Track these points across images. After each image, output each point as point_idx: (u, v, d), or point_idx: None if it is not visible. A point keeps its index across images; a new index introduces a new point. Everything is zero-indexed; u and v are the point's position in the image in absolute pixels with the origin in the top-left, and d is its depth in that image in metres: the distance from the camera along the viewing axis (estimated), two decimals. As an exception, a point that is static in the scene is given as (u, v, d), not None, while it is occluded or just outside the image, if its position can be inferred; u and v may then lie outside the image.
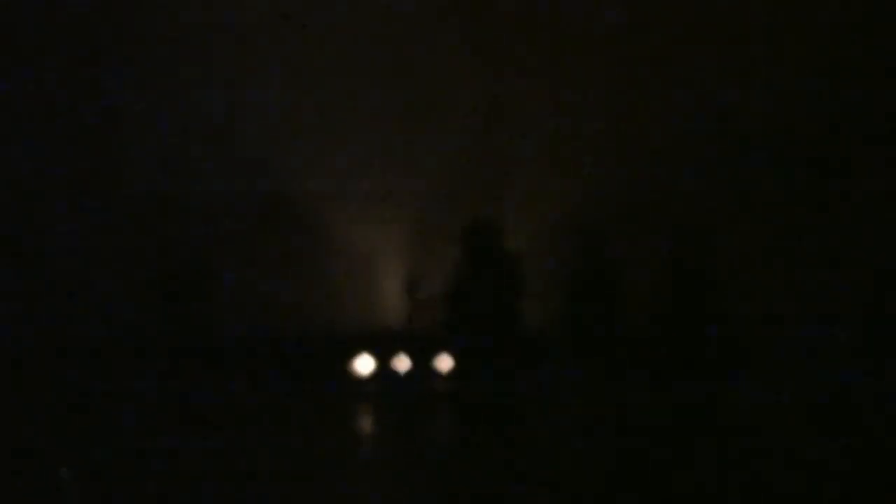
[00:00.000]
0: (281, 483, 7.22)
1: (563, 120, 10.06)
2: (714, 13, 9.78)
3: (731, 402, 8.11)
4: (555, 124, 10.07)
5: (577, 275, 8.93)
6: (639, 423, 8.11)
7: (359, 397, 9.76)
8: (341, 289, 10.16)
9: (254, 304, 9.89)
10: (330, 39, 10.05)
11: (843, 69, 9.44)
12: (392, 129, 10.11)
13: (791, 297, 9.27)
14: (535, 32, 10.14)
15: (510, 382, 7.11)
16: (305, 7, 9.98)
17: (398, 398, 9.73)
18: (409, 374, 9.79)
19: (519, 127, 10.12)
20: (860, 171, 9.41)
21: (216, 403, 9.16)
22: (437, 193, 9.80)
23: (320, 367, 9.84)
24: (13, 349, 9.34)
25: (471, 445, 7.11)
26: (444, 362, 9.50)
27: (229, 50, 9.91)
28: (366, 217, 10.07)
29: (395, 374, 9.86)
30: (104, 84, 9.90)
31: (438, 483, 7.03)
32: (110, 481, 6.96)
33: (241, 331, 9.82)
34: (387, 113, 10.09)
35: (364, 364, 9.82)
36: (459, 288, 7.20)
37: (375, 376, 9.84)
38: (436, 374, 9.46)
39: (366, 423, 9.56)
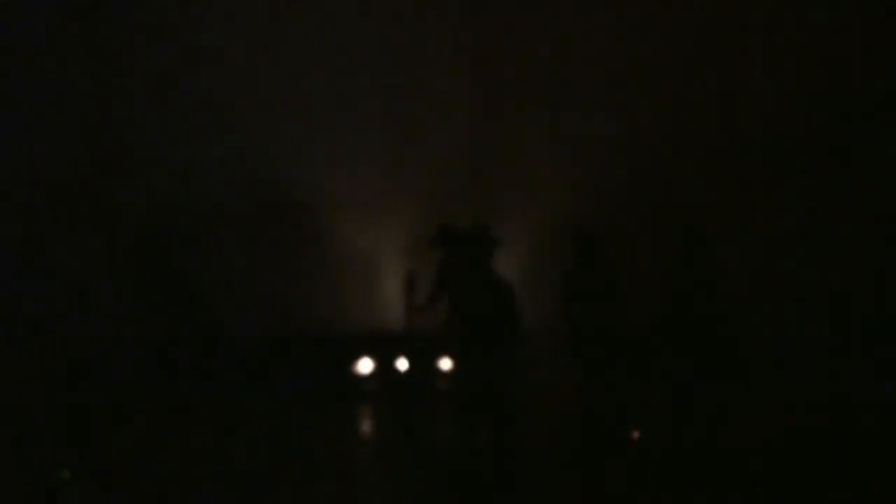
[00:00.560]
0: (282, 480, 7.25)
1: (563, 120, 10.07)
2: (713, 14, 9.77)
3: (732, 401, 7.95)
4: (554, 125, 10.08)
5: (576, 275, 8.90)
6: (637, 420, 8.12)
7: (360, 396, 9.82)
8: (343, 291, 10.19)
9: (257, 306, 9.94)
10: (331, 43, 10.07)
11: (843, 69, 9.45)
12: (392, 132, 10.15)
13: (792, 298, 9.27)
14: (535, 34, 10.17)
15: (508, 383, 7.10)
16: (307, 13, 10.01)
17: (397, 397, 9.74)
18: (409, 373, 9.83)
19: (518, 127, 10.11)
20: (860, 171, 9.40)
21: (219, 400, 9.22)
22: (437, 196, 9.78)
23: (323, 367, 9.90)
24: (14, 349, 9.35)
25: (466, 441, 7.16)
26: (443, 363, 9.56)
27: (235, 55, 9.95)
28: (367, 221, 10.10)
29: (394, 373, 9.89)
30: (109, 87, 9.94)
31: (436, 478, 7.09)
32: (113, 480, 6.99)
33: (244, 331, 9.88)
34: (387, 117, 10.13)
35: (365, 365, 9.91)
36: (457, 290, 7.18)
37: (375, 376, 9.91)
38: (435, 374, 9.53)
39: (366, 421, 9.60)
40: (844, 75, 9.47)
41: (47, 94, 9.77)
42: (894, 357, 8.73)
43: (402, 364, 9.85)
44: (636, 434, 7.96)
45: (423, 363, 9.59)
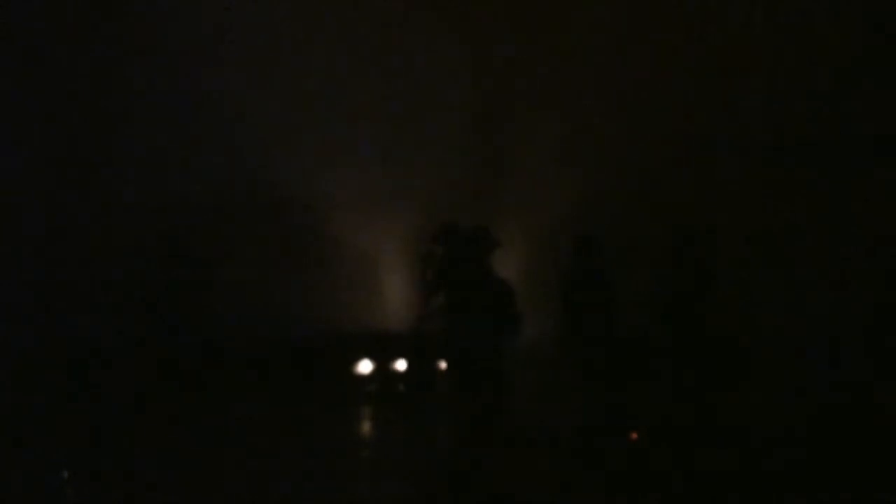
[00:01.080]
0: (282, 479, 7.25)
1: (561, 122, 10.08)
2: (713, 15, 9.77)
3: (731, 402, 8.00)
4: (554, 125, 10.08)
5: (575, 276, 8.91)
6: (636, 424, 8.08)
7: (359, 396, 9.84)
8: (342, 291, 10.22)
9: (255, 306, 9.95)
10: (331, 43, 10.11)
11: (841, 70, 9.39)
12: (392, 133, 10.19)
13: (792, 298, 9.18)
14: (534, 34, 10.19)
15: (506, 382, 7.13)
16: (307, 13, 10.01)
17: (396, 397, 9.83)
18: (407, 374, 9.87)
19: (517, 128, 10.17)
20: (859, 171, 9.32)
21: (219, 400, 9.22)
22: (437, 196, 9.79)
23: (322, 368, 9.92)
24: (15, 349, 9.32)
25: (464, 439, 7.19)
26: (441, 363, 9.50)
27: (234, 56, 9.96)
28: (366, 222, 10.16)
29: (393, 374, 9.93)
30: (111, 87, 9.96)
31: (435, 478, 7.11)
32: (114, 479, 6.97)
33: (244, 330, 9.87)
34: (388, 119, 10.18)
35: (364, 366, 9.92)
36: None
37: (375, 376, 9.93)
38: (434, 375, 9.50)
39: (366, 420, 9.64)
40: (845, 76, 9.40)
41: (47, 94, 9.77)
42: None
43: (401, 364, 9.90)
44: (634, 436, 7.95)
45: (422, 363, 9.59)
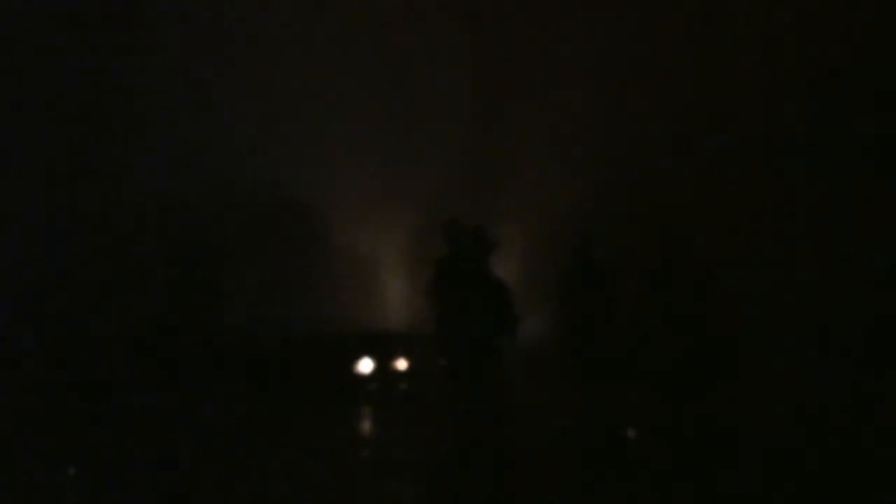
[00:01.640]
0: (286, 472, 7.41)
1: (560, 123, 10.05)
2: (713, 17, 9.68)
3: (728, 403, 8.04)
4: (553, 126, 10.06)
5: (571, 277, 8.93)
6: (633, 426, 8.14)
7: (360, 395, 9.87)
8: (342, 291, 10.21)
9: (257, 306, 9.96)
10: (331, 43, 10.07)
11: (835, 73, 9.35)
12: (392, 134, 10.16)
13: (789, 300, 9.13)
14: (535, 35, 10.16)
15: (504, 382, 7.18)
16: (307, 15, 10.02)
17: (397, 395, 9.86)
18: (407, 373, 9.91)
19: (517, 129, 10.13)
20: (854, 172, 9.24)
21: (220, 399, 9.19)
22: (437, 197, 9.73)
23: (322, 367, 9.91)
24: (23, 347, 9.36)
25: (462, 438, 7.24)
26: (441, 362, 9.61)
27: (237, 58, 9.96)
28: (367, 222, 10.15)
29: (394, 373, 9.96)
30: (117, 91, 9.93)
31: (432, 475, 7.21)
32: (116, 479, 7.03)
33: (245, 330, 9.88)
34: (388, 120, 10.15)
35: (365, 365, 9.95)
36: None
37: (375, 375, 9.96)
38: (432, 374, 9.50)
39: (366, 418, 9.68)
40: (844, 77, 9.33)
41: (49, 95, 9.76)
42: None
43: (402, 364, 9.94)
44: (632, 433, 8.02)
45: (422, 362, 9.65)
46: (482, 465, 6.86)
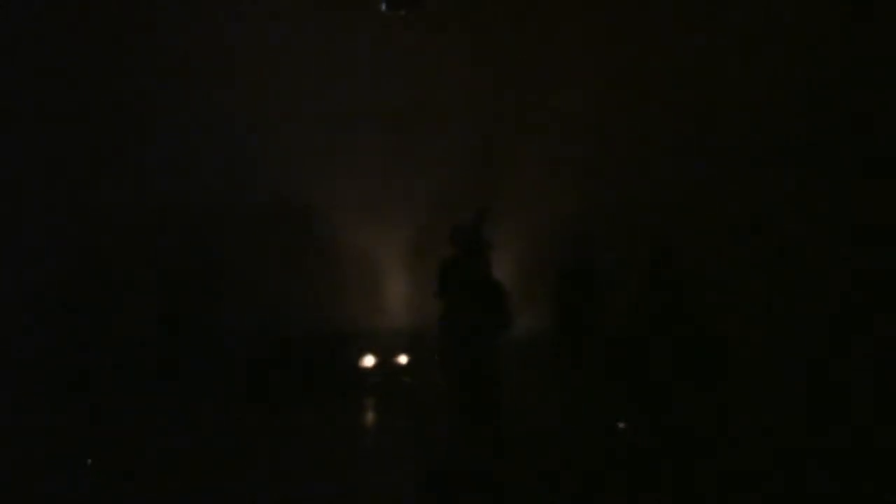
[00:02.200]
0: (294, 458, 7.66)
1: (558, 127, 10.11)
2: (712, 18, 9.71)
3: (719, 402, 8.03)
4: (550, 131, 10.14)
5: (565, 276, 9.04)
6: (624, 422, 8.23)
7: (363, 388, 10.03)
8: (346, 290, 10.32)
9: (269, 306, 10.09)
10: (332, 46, 10.09)
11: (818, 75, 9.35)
12: (394, 140, 10.21)
13: (777, 299, 9.22)
14: (535, 38, 10.19)
15: (499, 376, 7.37)
16: (309, 18, 10.04)
17: (398, 389, 10.02)
18: (407, 367, 10.13)
19: (516, 131, 10.20)
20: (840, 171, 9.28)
21: (227, 394, 9.42)
22: (437, 198, 9.91)
23: (330, 362, 10.12)
24: (27, 348, 9.45)
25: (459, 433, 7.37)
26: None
27: (235, 59, 9.92)
28: (368, 223, 10.21)
29: (395, 367, 10.18)
30: (120, 95, 9.91)
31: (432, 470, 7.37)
32: (116, 478, 7.16)
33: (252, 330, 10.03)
34: (390, 124, 10.20)
35: (368, 360, 10.19)
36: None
37: (377, 370, 10.17)
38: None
39: (370, 413, 9.77)
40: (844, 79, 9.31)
41: (52, 98, 9.77)
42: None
43: (403, 359, 10.18)
44: (622, 426, 8.16)
45: (421, 356, 9.81)
46: (478, 453, 7.13)
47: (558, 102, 10.11)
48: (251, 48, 9.99)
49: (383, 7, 9.12)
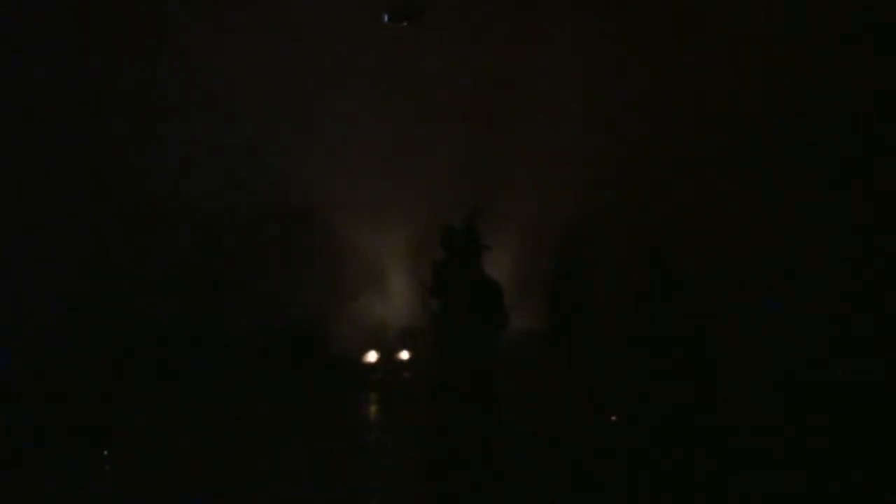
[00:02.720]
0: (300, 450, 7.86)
1: (560, 123, 10.16)
2: (710, 21, 9.73)
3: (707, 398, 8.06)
4: (550, 129, 10.18)
5: (559, 274, 9.27)
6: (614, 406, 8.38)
7: (366, 382, 10.25)
8: (348, 290, 10.49)
9: (276, 304, 10.22)
10: (334, 49, 10.16)
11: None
12: (397, 145, 10.34)
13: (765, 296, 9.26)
14: (532, 43, 10.25)
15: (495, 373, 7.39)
16: (310, 21, 10.13)
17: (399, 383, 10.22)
18: (408, 363, 10.34)
19: (513, 134, 10.26)
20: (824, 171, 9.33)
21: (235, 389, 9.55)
22: (437, 199, 9.92)
23: (335, 357, 10.30)
24: (44, 341, 9.54)
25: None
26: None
27: (241, 64, 10.01)
28: (370, 224, 10.37)
29: (396, 363, 10.39)
30: (117, 90, 10.00)
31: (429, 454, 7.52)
32: (118, 477, 7.22)
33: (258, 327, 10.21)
34: (391, 130, 10.32)
35: (370, 356, 10.40)
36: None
37: (379, 365, 10.39)
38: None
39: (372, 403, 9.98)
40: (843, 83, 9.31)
41: (63, 102, 9.88)
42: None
43: (404, 355, 10.40)
44: (613, 418, 8.34)
45: (422, 352, 9.94)
46: (474, 446, 7.18)
47: (556, 104, 10.17)
48: (259, 55, 10.08)
49: (385, 19, 9.31)
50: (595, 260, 9.65)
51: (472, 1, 10.25)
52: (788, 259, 9.28)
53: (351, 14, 10.12)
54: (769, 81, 9.49)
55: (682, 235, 9.00)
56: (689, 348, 8.42)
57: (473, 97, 10.36)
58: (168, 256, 10.16)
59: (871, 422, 7.72)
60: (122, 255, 10.08)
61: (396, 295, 10.47)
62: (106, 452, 7.64)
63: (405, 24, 9.43)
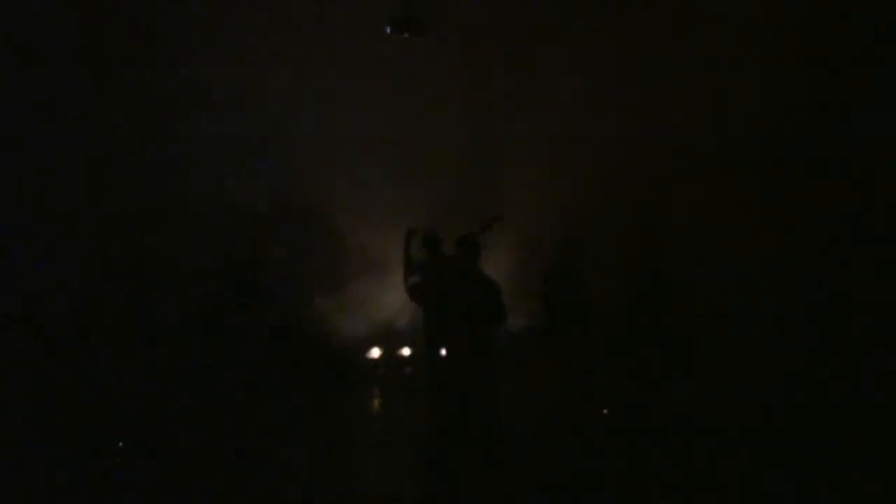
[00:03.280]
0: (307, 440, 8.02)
1: (558, 125, 10.22)
2: (708, 20, 9.73)
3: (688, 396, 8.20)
4: (549, 130, 10.26)
5: (554, 273, 9.34)
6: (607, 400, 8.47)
7: (370, 377, 10.43)
8: (352, 289, 10.57)
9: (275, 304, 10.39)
10: (336, 51, 10.26)
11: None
12: (396, 144, 10.41)
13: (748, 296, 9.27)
14: (531, 43, 10.33)
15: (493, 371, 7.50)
16: (311, 22, 10.25)
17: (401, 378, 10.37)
18: (410, 358, 10.45)
19: (511, 137, 10.37)
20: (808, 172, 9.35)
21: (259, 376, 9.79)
22: (437, 200, 9.99)
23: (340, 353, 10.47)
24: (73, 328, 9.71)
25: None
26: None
27: (247, 64, 10.12)
28: (371, 225, 10.39)
29: (399, 359, 10.52)
30: (121, 91, 10.09)
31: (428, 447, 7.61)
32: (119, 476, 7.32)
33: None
34: (391, 130, 10.39)
35: (374, 352, 10.56)
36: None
37: (383, 361, 10.55)
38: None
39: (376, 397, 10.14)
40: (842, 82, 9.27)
41: (61, 102, 9.96)
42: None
43: (406, 351, 10.53)
44: (605, 412, 8.45)
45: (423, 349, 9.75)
46: (473, 439, 7.29)
47: (556, 103, 10.22)
48: (264, 57, 10.19)
49: (388, 30, 9.42)
50: (594, 260, 9.68)
51: (473, 5, 10.31)
52: (788, 259, 9.30)
53: (352, 14, 10.23)
54: (769, 81, 9.50)
55: (682, 235, 9.08)
56: (687, 348, 8.63)
57: (473, 97, 10.43)
58: (168, 256, 10.25)
59: (870, 422, 7.80)
60: (122, 256, 10.19)
61: (399, 294, 10.24)
62: (120, 444, 7.79)
63: (406, 35, 9.43)
